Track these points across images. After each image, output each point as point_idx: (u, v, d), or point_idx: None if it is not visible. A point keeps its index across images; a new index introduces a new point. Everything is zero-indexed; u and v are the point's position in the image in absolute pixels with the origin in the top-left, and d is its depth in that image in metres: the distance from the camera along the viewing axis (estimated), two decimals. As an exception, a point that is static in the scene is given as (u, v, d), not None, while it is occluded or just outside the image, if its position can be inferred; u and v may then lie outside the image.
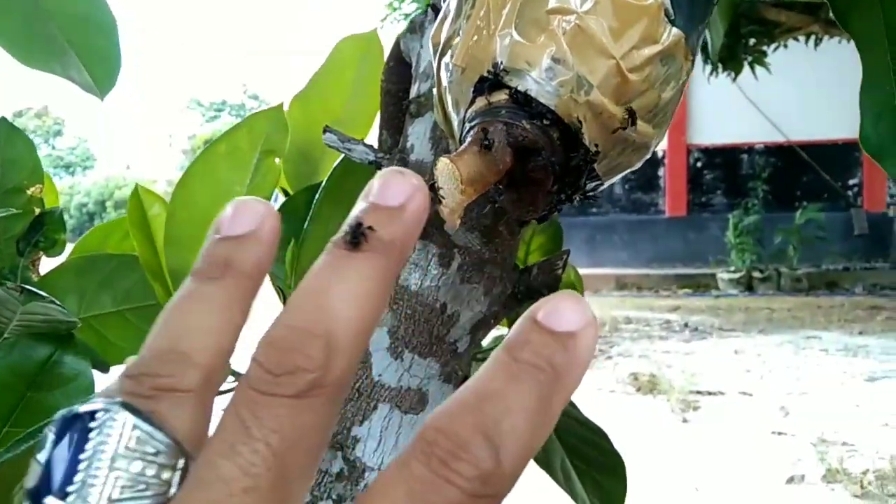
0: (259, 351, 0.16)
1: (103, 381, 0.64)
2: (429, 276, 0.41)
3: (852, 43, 0.44)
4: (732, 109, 7.48)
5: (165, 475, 0.15)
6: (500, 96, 0.27)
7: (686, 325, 5.35)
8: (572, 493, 0.79)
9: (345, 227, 0.17)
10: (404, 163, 0.44)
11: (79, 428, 0.16)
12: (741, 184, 7.97)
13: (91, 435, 0.15)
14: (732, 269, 7.06)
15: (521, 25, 0.27)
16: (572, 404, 0.80)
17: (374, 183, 0.18)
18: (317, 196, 0.47)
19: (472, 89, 0.28)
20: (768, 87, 5.79)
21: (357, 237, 0.16)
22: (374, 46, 0.59)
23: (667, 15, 0.28)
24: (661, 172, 8.11)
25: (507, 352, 0.16)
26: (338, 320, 0.16)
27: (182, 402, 0.16)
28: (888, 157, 0.41)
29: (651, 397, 3.55)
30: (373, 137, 0.62)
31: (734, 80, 5.00)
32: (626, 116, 0.27)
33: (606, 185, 0.31)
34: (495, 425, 0.15)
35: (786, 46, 5.10)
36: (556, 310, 0.16)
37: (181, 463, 0.16)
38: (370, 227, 0.17)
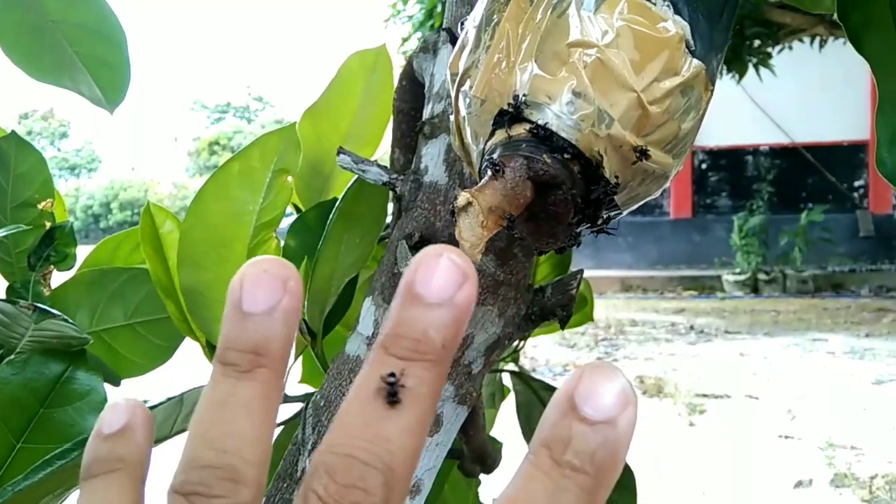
0: (316, 479, 0.15)
1: (115, 393, 0.65)
2: (443, 298, 0.41)
3: None
4: (737, 111, 7.46)
5: None
6: (521, 130, 0.27)
7: (692, 327, 5.34)
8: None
9: (379, 374, 0.16)
10: (418, 184, 0.44)
11: None
12: (746, 185, 7.96)
13: None
14: (738, 270, 7.05)
15: (541, 58, 0.27)
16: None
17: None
18: (330, 216, 0.47)
19: (491, 121, 0.28)
20: (773, 89, 5.78)
21: (394, 394, 0.16)
22: (383, 60, 0.59)
23: (687, 46, 0.28)
24: (665, 174, 8.09)
25: (548, 452, 0.15)
26: (394, 456, 0.15)
27: None
28: (905, 180, 0.41)
29: (657, 400, 3.55)
30: (382, 151, 0.62)
31: (739, 81, 4.99)
32: (638, 154, 0.27)
33: (626, 213, 0.31)
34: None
35: (790, 48, 5.09)
36: (593, 392, 0.15)
37: None
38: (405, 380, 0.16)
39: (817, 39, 5.17)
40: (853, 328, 5.11)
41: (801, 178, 7.81)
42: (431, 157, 0.44)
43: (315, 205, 0.57)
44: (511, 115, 0.27)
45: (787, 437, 2.98)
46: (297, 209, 0.62)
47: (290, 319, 0.17)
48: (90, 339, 0.59)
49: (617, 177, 0.28)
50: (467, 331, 0.42)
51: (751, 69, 4.98)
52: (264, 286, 0.17)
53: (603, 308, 6.10)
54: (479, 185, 0.26)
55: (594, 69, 0.26)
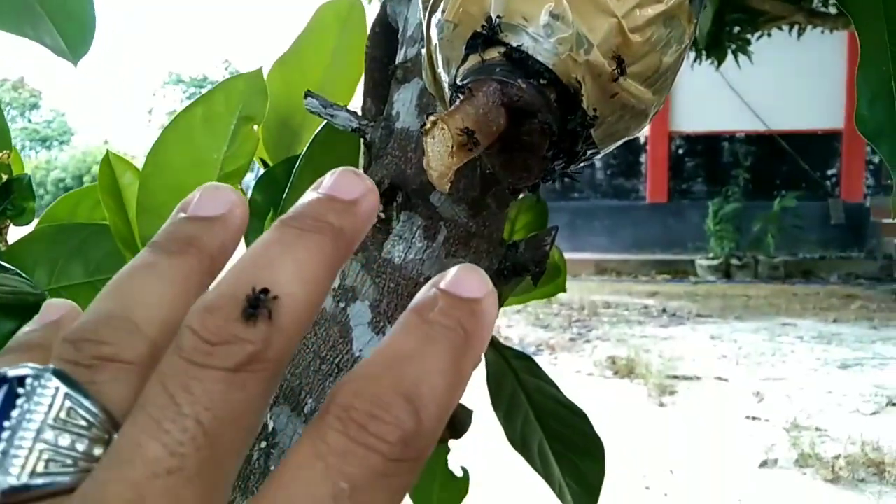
0: (193, 317, 0.14)
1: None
2: (413, 248, 0.39)
3: (835, 34, 0.43)
4: (715, 97, 7.51)
5: (97, 451, 0.14)
6: (495, 53, 0.25)
7: (664, 310, 5.39)
8: (548, 476, 0.78)
9: (294, 209, 0.17)
10: (389, 130, 0.42)
11: (5, 393, 0.14)
12: (721, 172, 8.02)
13: (18, 402, 0.14)
14: (711, 255, 7.12)
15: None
16: (552, 384, 0.79)
17: (326, 177, 0.17)
18: (297, 164, 0.46)
19: (464, 46, 0.26)
20: (751, 76, 5.81)
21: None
22: (356, 11, 0.57)
23: (671, -27, 0.26)
24: (642, 159, 8.13)
25: (417, 314, 0.15)
26: (283, 295, 0.15)
27: (122, 375, 0.15)
28: (884, 138, 0.40)
29: (628, 381, 3.58)
30: (355, 105, 0.60)
31: (718, 67, 5.01)
32: (615, 67, 0.25)
33: (603, 153, 0.30)
34: (415, 386, 0.14)
35: (769, 35, 5.12)
36: (459, 279, 0.16)
37: (112, 434, 0.15)
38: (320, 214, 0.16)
39: (796, 28, 5.20)
40: (821, 314, 5.20)
41: (775, 165, 7.89)
42: (403, 102, 0.42)
43: (283, 159, 0.55)
44: (485, 37, 0.25)
45: (754, 418, 3.03)
46: (265, 164, 0.60)
47: (233, 228, 0.17)
48: (46, 295, 0.57)
49: (595, 109, 0.26)
50: (437, 283, 0.40)
51: (729, 55, 4.99)
52: (212, 199, 0.17)
53: (577, 290, 6.13)
54: (449, 110, 0.24)
55: (574, -10, 0.25)
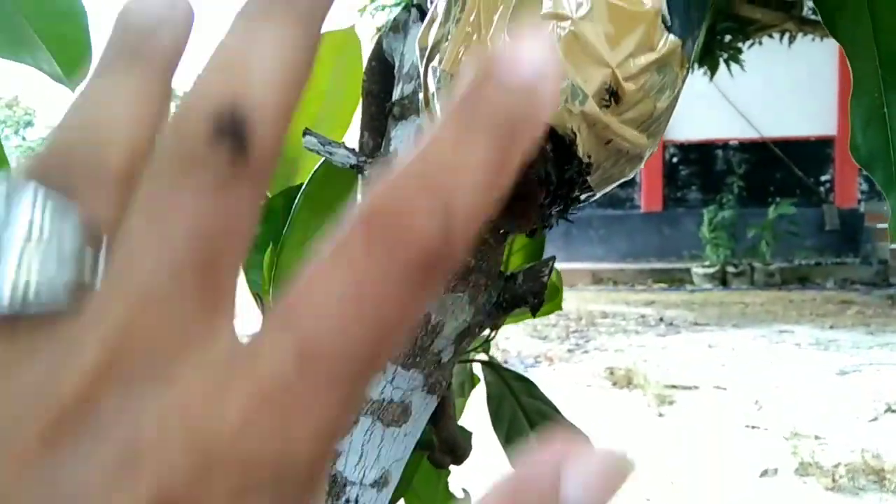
0: (170, 130, 0.13)
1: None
2: (412, 284, 0.40)
3: (826, 41, 0.43)
4: (708, 106, 7.54)
5: (87, 275, 0.13)
6: (492, 105, 0.25)
7: (661, 319, 5.40)
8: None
9: None
10: (388, 167, 0.42)
11: None
12: (716, 179, 8.05)
13: None
14: (707, 263, 7.14)
15: (513, 31, 0.25)
16: (552, 405, 0.80)
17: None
18: (296, 201, 0.46)
19: (461, 97, 0.26)
20: (743, 84, 5.85)
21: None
22: (352, 42, 0.57)
23: (664, 21, 0.27)
24: (637, 167, 8.15)
25: (457, 114, 0.12)
26: (256, 86, 0.13)
27: (100, 186, 0.14)
28: (878, 165, 0.41)
29: (627, 391, 3.58)
30: (352, 136, 0.61)
31: (711, 78, 5.04)
32: (608, 97, 0.25)
33: (599, 195, 0.30)
34: (447, 193, 0.12)
35: (760, 44, 5.15)
36: (512, 58, 0.12)
37: (101, 247, 0.14)
38: None
39: (786, 36, 5.24)
40: (818, 320, 5.21)
41: (769, 172, 7.92)
42: (401, 139, 0.42)
43: (281, 190, 0.56)
44: (481, 90, 0.26)
45: (753, 427, 3.03)
46: (265, 195, 0.61)
47: (179, 27, 0.16)
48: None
49: (590, 156, 0.27)
50: (438, 318, 0.41)
51: (721, 64, 5.03)
52: (147, 3, 0.16)
53: (574, 300, 6.13)
54: (448, 162, 0.25)
55: (568, 43, 0.25)
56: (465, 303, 0.41)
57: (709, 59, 5.01)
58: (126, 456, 0.11)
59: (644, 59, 0.26)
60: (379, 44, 0.47)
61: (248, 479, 0.11)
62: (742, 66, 5.02)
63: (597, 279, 7.21)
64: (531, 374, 3.79)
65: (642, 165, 0.30)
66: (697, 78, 5.16)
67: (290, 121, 0.14)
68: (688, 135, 8.03)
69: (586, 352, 4.42)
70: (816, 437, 2.85)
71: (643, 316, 5.54)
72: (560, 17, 0.25)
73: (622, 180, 0.30)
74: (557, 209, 0.27)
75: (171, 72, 0.16)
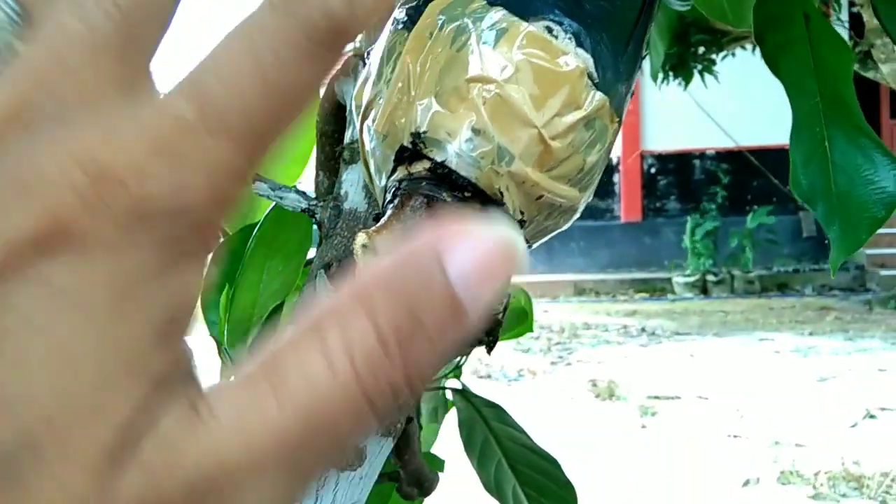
0: None
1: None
2: (363, 329, 0.40)
3: None
4: (684, 116, 7.62)
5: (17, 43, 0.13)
6: (421, 167, 0.26)
7: (643, 329, 5.43)
8: (525, 521, 0.79)
9: None
10: (338, 210, 0.43)
11: None
12: (694, 189, 8.13)
13: None
14: (688, 272, 7.19)
15: (441, 94, 0.26)
16: (522, 431, 0.80)
17: None
18: (250, 241, 0.46)
19: (392, 157, 0.27)
20: (718, 94, 5.92)
21: None
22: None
23: (590, 78, 0.27)
24: (615, 179, 8.22)
25: None
26: None
27: None
28: (818, 199, 0.42)
29: (610, 403, 3.59)
30: (310, 172, 0.61)
31: (685, 88, 5.10)
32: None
33: (535, 246, 0.31)
34: None
35: (734, 55, 5.23)
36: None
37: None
38: None
39: (759, 47, 5.32)
40: (798, 327, 5.26)
41: (746, 181, 8.01)
42: (351, 182, 0.43)
43: (240, 228, 0.56)
44: (411, 151, 0.26)
45: (735, 436, 3.05)
46: (224, 233, 0.61)
47: None
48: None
49: (522, 212, 0.27)
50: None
51: (696, 75, 5.09)
52: None
53: (557, 312, 6.15)
54: (378, 225, 0.25)
55: (494, 105, 0.25)
56: (417, 345, 0.41)
57: (683, 71, 5.07)
58: (18, 184, 0.12)
59: (571, 118, 0.27)
60: (331, 86, 0.47)
61: (141, 214, 0.12)
62: (716, 77, 5.09)
63: (579, 290, 7.24)
64: (515, 388, 3.80)
65: (577, 216, 0.30)
66: (673, 89, 5.22)
67: None
68: (665, 145, 8.11)
69: (569, 364, 4.43)
70: (797, 445, 2.88)
71: (625, 326, 5.57)
72: (486, 81, 0.26)
73: (558, 231, 0.30)
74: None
75: None
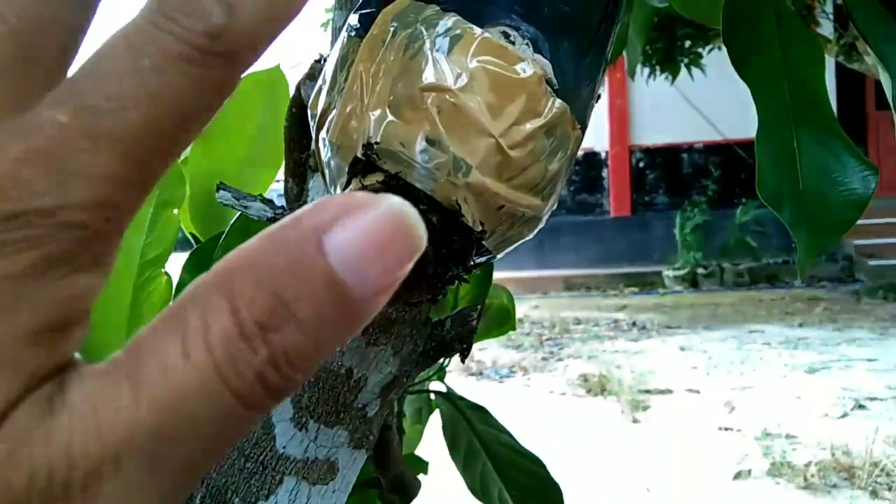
0: None
1: None
2: (332, 340, 0.39)
3: None
4: (672, 110, 7.64)
5: None
6: (374, 179, 0.25)
7: (634, 323, 5.43)
8: (511, 523, 0.78)
9: None
10: None
11: None
12: (683, 182, 8.15)
13: None
14: (678, 265, 7.21)
15: (394, 103, 0.25)
16: (507, 432, 0.79)
17: None
18: (215, 254, 0.45)
19: (346, 169, 0.26)
20: (705, 88, 5.93)
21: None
22: (279, 83, 0.56)
23: (549, 84, 0.26)
24: (604, 173, 8.23)
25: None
26: None
27: None
28: (785, 203, 0.41)
29: (601, 398, 3.59)
30: (282, 177, 0.60)
31: (672, 82, 5.10)
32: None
33: (501, 255, 0.30)
34: None
35: (720, 48, 5.23)
36: None
37: None
38: None
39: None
40: (787, 318, 5.28)
41: (735, 173, 8.03)
42: (318, 190, 0.42)
43: (212, 237, 0.55)
44: (364, 163, 0.25)
45: (726, 429, 3.05)
46: (196, 239, 0.60)
47: None
48: None
49: (482, 223, 0.26)
50: (360, 373, 0.40)
51: (683, 69, 5.10)
52: None
53: (547, 308, 6.15)
54: (330, 240, 0.24)
55: (448, 114, 0.25)
56: (388, 355, 0.41)
57: (670, 65, 5.08)
58: None
59: (530, 126, 0.26)
60: (297, 91, 0.46)
61: (12, 216, 0.12)
62: (703, 71, 5.10)
63: (569, 286, 7.25)
64: (506, 384, 3.79)
65: (542, 225, 0.29)
66: (660, 83, 5.22)
67: None
68: (653, 139, 8.12)
69: (560, 359, 4.43)
70: (788, 437, 2.88)
71: (616, 321, 5.57)
72: (440, 89, 0.25)
73: (523, 240, 0.30)
74: (451, 275, 0.27)
75: None
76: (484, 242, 0.27)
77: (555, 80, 0.27)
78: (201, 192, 0.55)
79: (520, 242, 0.30)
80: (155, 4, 0.13)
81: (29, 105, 0.13)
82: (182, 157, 0.50)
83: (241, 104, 0.56)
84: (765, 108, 0.40)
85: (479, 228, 0.26)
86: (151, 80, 0.13)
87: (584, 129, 0.29)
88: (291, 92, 0.50)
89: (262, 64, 0.64)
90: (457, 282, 0.28)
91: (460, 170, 0.25)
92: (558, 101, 0.26)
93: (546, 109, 0.26)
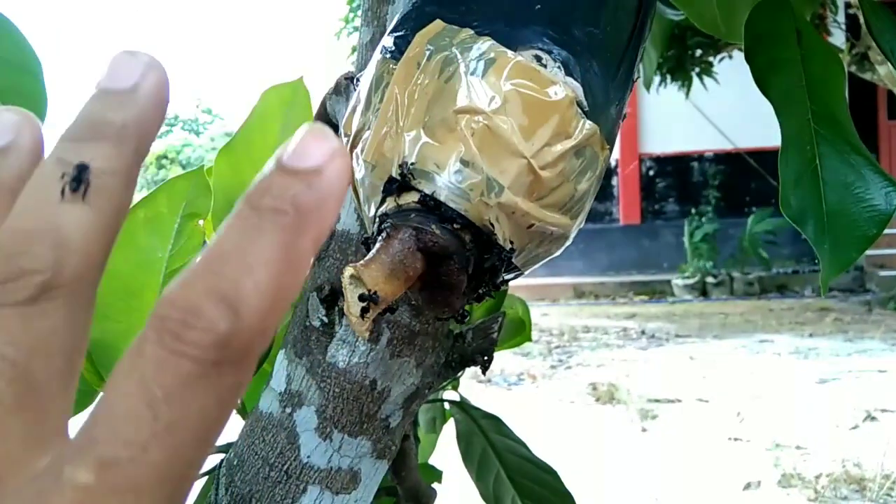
0: None
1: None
2: (357, 352, 0.40)
3: None
4: (682, 118, 7.62)
5: None
6: (409, 199, 0.26)
7: (643, 332, 5.42)
8: (524, 533, 0.79)
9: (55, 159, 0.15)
10: (330, 233, 0.42)
11: None
12: (693, 191, 8.13)
13: None
14: (687, 274, 7.19)
15: (429, 125, 0.26)
16: (521, 442, 0.80)
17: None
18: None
19: (381, 188, 0.27)
20: (716, 97, 5.92)
21: (75, 180, 0.15)
22: (301, 95, 0.57)
23: (580, 106, 0.27)
24: (614, 182, 8.22)
25: (247, 202, 0.14)
26: (67, 223, 0.14)
27: None
28: (808, 219, 0.41)
29: (610, 407, 3.58)
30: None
31: (687, 94, 5.10)
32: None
33: (527, 272, 0.30)
34: (233, 284, 0.13)
35: (731, 57, 5.23)
36: (298, 149, 0.14)
37: None
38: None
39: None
40: (797, 328, 5.25)
41: (745, 182, 8.01)
42: (343, 204, 0.42)
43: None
44: (399, 183, 0.26)
45: (736, 439, 3.04)
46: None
47: (24, 153, 0.16)
48: None
49: (512, 242, 0.27)
50: (383, 384, 0.40)
51: (694, 78, 5.09)
52: (126, 65, 0.16)
53: (556, 315, 6.14)
54: (367, 258, 0.25)
55: (482, 136, 0.25)
56: (411, 367, 0.41)
57: (681, 74, 5.07)
58: None
59: (560, 147, 0.26)
60: (323, 105, 0.47)
61: None
62: (715, 79, 5.09)
63: (578, 293, 7.23)
64: (514, 392, 3.79)
65: (569, 242, 0.30)
66: (671, 91, 5.22)
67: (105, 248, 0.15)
68: (663, 148, 8.11)
69: (569, 367, 4.43)
70: (798, 448, 2.87)
71: (625, 329, 5.56)
72: (474, 112, 0.25)
73: (551, 257, 0.30)
74: (482, 292, 0.28)
75: (12, 195, 0.16)
76: (513, 260, 0.28)
77: (585, 103, 0.27)
78: (225, 202, 0.56)
79: (547, 260, 0.30)
80: (158, 321, 0.13)
81: (41, 451, 0.13)
82: (207, 168, 0.51)
83: (264, 116, 0.57)
84: (787, 124, 0.40)
85: (510, 247, 0.27)
86: (167, 412, 0.13)
87: (611, 148, 0.30)
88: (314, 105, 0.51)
89: (284, 77, 0.65)
90: (483, 299, 0.29)
91: (493, 190, 0.25)
92: (588, 123, 0.27)
93: (577, 131, 0.27)
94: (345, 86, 0.44)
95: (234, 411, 0.48)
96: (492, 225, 0.26)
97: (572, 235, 0.30)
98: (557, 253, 0.30)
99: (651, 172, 8.26)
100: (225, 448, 0.49)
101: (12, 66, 0.67)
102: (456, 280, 0.25)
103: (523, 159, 0.26)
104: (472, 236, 0.26)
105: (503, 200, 0.25)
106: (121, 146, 0.15)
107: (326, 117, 0.47)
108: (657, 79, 5.20)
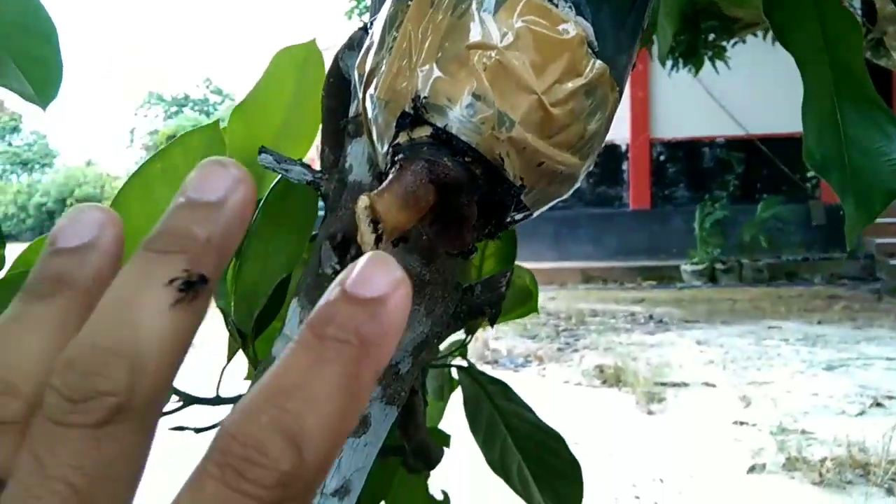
0: (55, 373, 0.14)
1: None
2: (368, 299, 0.40)
3: None
4: (693, 103, 7.57)
5: None
6: (422, 133, 0.26)
7: (651, 317, 5.42)
8: (528, 498, 0.80)
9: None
10: (343, 183, 0.43)
11: None
12: (703, 177, 8.09)
13: None
14: (696, 260, 7.17)
15: (442, 60, 0.26)
16: (528, 408, 0.81)
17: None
18: (255, 214, 0.46)
19: (394, 123, 0.27)
20: (728, 82, 5.87)
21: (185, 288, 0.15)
22: (314, 56, 0.58)
23: (590, 47, 0.28)
24: (624, 166, 8.19)
25: (311, 330, 0.14)
26: (142, 340, 0.14)
27: (1, 433, 0.15)
28: (832, 170, 0.42)
29: (616, 390, 3.59)
30: (317, 149, 0.62)
31: (696, 74, 5.06)
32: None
33: (536, 213, 0.31)
34: (296, 420, 0.13)
35: (744, 42, 5.18)
36: (362, 277, 0.14)
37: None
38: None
39: (770, 33, 5.26)
40: (806, 315, 5.24)
41: (756, 169, 7.96)
42: (356, 155, 0.43)
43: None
44: (412, 117, 0.26)
45: (742, 423, 3.05)
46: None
47: (105, 251, 0.16)
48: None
49: (522, 178, 0.28)
50: (393, 331, 0.41)
51: (706, 62, 5.05)
52: (77, 225, 0.17)
53: (564, 299, 6.15)
54: (380, 188, 0.26)
55: (494, 71, 0.26)
56: (421, 315, 0.42)
57: (693, 58, 5.03)
58: None
59: (571, 85, 0.27)
60: (336, 61, 0.48)
61: None
62: (727, 64, 5.05)
63: (587, 278, 7.23)
64: (521, 374, 3.81)
65: (578, 184, 0.31)
66: (683, 75, 5.18)
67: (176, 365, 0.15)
68: (674, 133, 8.06)
69: (576, 350, 4.44)
70: (803, 432, 2.87)
71: (633, 314, 5.56)
72: (486, 47, 0.26)
73: (559, 199, 0.31)
74: (492, 228, 0.28)
75: (92, 298, 0.16)
76: (522, 198, 0.28)
77: (595, 43, 0.28)
78: (240, 157, 0.57)
79: (555, 201, 0.31)
80: (219, 455, 0.13)
81: None
82: (222, 125, 0.52)
83: (277, 77, 0.58)
84: (809, 77, 0.41)
85: (520, 183, 0.28)
86: None
87: (621, 92, 0.30)
88: (327, 66, 0.51)
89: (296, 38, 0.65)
90: (493, 237, 0.29)
91: (504, 124, 0.26)
92: (599, 63, 0.28)
93: (587, 70, 0.27)
94: (359, 39, 0.45)
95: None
96: (502, 159, 0.26)
97: (581, 176, 0.30)
98: (566, 195, 0.31)
99: (662, 157, 8.23)
100: (237, 399, 0.51)
101: (29, 32, 0.68)
102: (467, 212, 0.26)
103: (534, 95, 0.26)
104: (483, 170, 0.26)
105: (514, 135, 0.26)
106: (202, 260, 0.15)
107: (340, 73, 0.48)
108: (669, 63, 5.16)
